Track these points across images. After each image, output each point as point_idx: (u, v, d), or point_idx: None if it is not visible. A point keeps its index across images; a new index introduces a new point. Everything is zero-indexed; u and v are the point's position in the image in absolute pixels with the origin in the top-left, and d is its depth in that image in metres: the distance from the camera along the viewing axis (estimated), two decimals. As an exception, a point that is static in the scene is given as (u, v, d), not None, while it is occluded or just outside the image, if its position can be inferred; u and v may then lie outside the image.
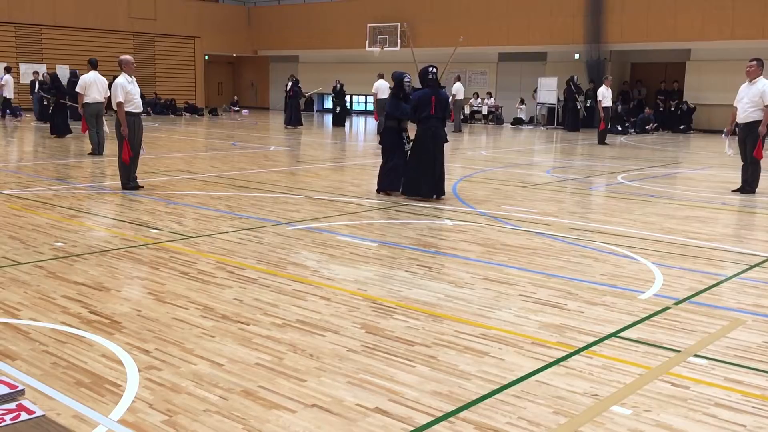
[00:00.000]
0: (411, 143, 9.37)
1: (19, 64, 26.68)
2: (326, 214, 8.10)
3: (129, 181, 9.59)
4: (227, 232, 7.02)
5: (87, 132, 14.08)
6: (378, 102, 21.37)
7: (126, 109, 9.31)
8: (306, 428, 3.04)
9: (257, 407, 3.22)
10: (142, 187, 9.71)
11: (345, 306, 4.74)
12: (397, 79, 9.64)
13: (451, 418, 3.16)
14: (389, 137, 9.65)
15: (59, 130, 17.81)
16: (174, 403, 3.23)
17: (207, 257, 6.02)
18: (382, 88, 21.21)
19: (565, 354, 3.95)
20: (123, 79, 9.33)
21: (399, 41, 30.04)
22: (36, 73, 24.22)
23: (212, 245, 6.48)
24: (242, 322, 4.37)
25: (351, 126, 27.47)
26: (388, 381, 3.54)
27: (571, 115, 25.17)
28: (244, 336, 4.13)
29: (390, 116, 9.67)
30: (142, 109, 9.65)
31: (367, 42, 30.89)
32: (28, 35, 28.61)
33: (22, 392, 1.71)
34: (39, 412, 1.60)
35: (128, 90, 9.32)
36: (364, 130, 26.36)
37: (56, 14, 28.82)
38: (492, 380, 3.57)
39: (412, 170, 9.32)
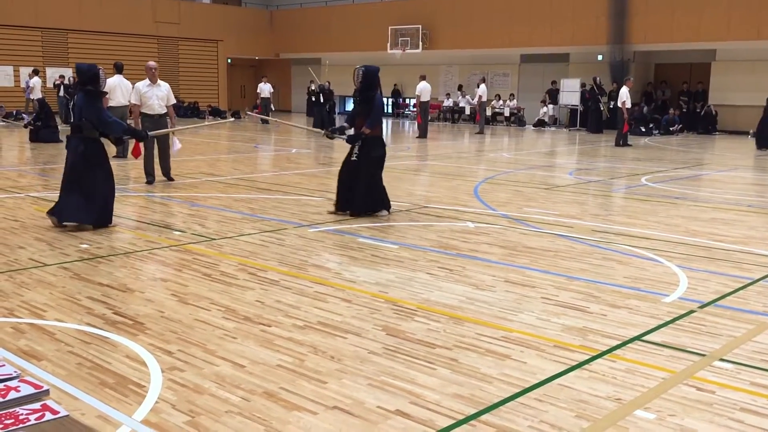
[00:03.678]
0: (384, 153, 8.16)
1: (46, 67, 27.07)
2: (348, 217, 8.11)
3: (148, 175, 10.63)
4: (249, 234, 7.06)
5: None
6: (421, 105, 21.36)
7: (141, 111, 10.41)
8: (327, 430, 3.04)
9: (279, 409, 3.23)
10: (173, 179, 10.75)
11: (366, 308, 4.74)
12: (91, 72, 7.20)
13: (472, 421, 3.14)
14: (97, 151, 7.14)
15: (39, 137, 17.18)
16: (196, 404, 3.26)
17: (229, 259, 6.05)
18: (425, 90, 21.24)
19: (587, 357, 3.92)
20: (140, 83, 10.60)
21: (420, 43, 30.03)
22: (62, 77, 24.56)
23: (234, 247, 6.51)
24: (264, 324, 4.39)
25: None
26: (409, 383, 3.53)
27: (594, 117, 24.99)
28: (266, 338, 4.15)
29: (87, 123, 7.04)
30: (156, 111, 10.51)
31: (389, 44, 30.92)
32: (54, 39, 29.02)
33: (46, 392, 1.73)
34: (63, 413, 1.62)
35: (142, 93, 10.48)
36: (386, 132, 26.36)
37: (82, 19, 29.20)
38: (514, 383, 3.55)
39: (380, 185, 8.19)
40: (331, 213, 8.21)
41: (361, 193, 8.03)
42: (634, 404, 3.33)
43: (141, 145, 10.09)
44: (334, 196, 8.41)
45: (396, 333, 4.26)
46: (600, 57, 26.02)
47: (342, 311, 4.66)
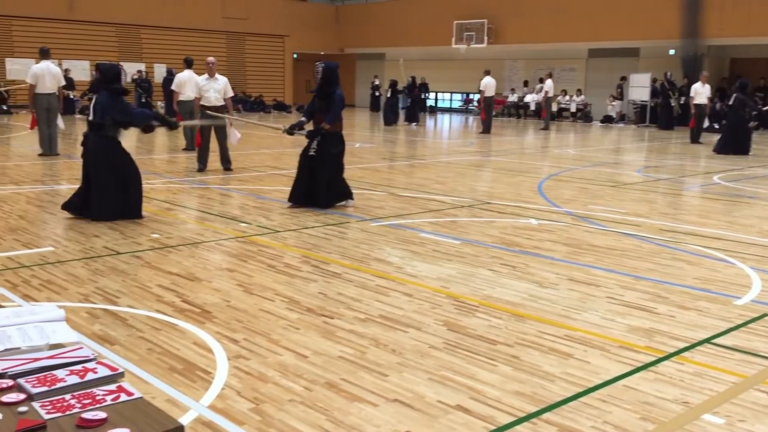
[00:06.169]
0: (343, 149, 8.24)
1: (120, 63, 27.95)
2: (410, 211, 8.12)
3: (201, 163, 11.30)
4: (313, 227, 7.16)
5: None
6: (485, 100, 21.25)
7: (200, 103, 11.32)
8: (387, 422, 3.07)
9: (340, 399, 3.28)
10: (232, 170, 11.28)
11: (427, 303, 4.75)
12: (114, 71, 7.30)
13: (533, 419, 3.12)
14: (118, 149, 7.27)
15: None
16: (261, 392, 3.33)
17: (293, 251, 6.15)
18: (490, 85, 21.13)
19: (654, 359, 3.83)
20: (200, 77, 11.68)
21: (485, 38, 29.75)
22: (139, 71, 25.34)
23: (298, 239, 6.61)
24: (326, 316, 4.45)
25: (435, 123, 27.43)
26: (469, 379, 3.53)
27: (665, 113, 24.30)
28: (328, 329, 4.20)
29: (109, 121, 7.14)
30: (213, 103, 11.20)
31: (453, 39, 30.75)
32: (128, 35, 29.96)
33: (121, 375, 1.80)
34: (137, 394, 1.68)
35: (201, 86, 11.41)
36: (448, 126, 26.26)
37: (154, 15, 30.03)
38: (576, 383, 3.50)
39: (340, 178, 8.30)
40: (288, 208, 8.17)
41: (323, 190, 8.08)
42: (702, 408, 3.25)
43: (199, 134, 11.22)
44: (397, 191, 8.40)
45: (457, 328, 4.26)
46: (672, 51, 25.26)
47: (403, 305, 4.68)
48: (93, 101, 7.29)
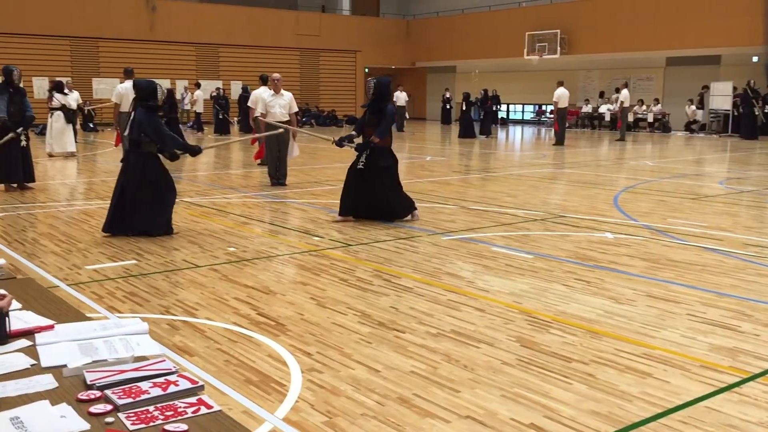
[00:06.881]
0: (394, 163, 8.30)
1: (199, 80, 28.90)
2: (481, 225, 8.07)
3: (273, 177, 11.51)
4: (384, 241, 7.20)
5: (257, 144, 14.96)
6: (558, 111, 21.01)
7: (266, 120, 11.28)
8: (460, 439, 3.05)
9: (412, 415, 3.28)
10: (286, 185, 11.40)
11: (500, 318, 4.71)
12: (151, 88, 7.34)
13: (610, 440, 3.04)
14: (157, 166, 7.39)
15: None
16: (334, 405, 3.37)
17: (365, 265, 6.20)
18: (564, 96, 20.90)
19: (738, 380, 3.68)
20: (265, 93, 11.78)
21: (558, 48, 29.36)
22: (218, 89, 26.13)
23: (370, 253, 6.67)
24: (398, 330, 4.46)
25: (507, 135, 27.19)
26: (543, 397, 3.47)
27: (748, 122, 23.37)
28: (400, 344, 4.22)
29: (146, 138, 7.23)
30: (279, 119, 11.21)
31: (525, 50, 30.48)
32: (206, 54, 30.97)
33: (201, 387, 1.86)
34: (216, 407, 1.74)
35: (267, 102, 11.44)
36: (520, 138, 25.99)
37: (231, 34, 30.98)
38: (656, 403, 3.40)
39: (399, 191, 8.37)
40: (336, 221, 8.19)
41: (384, 207, 8.19)
42: (791, 433, 3.10)
43: (264, 148, 11.54)
44: (468, 204, 8.37)
45: (530, 345, 4.20)
46: (755, 59, 24.30)
47: (475, 320, 4.65)
48: (131, 117, 7.39)
